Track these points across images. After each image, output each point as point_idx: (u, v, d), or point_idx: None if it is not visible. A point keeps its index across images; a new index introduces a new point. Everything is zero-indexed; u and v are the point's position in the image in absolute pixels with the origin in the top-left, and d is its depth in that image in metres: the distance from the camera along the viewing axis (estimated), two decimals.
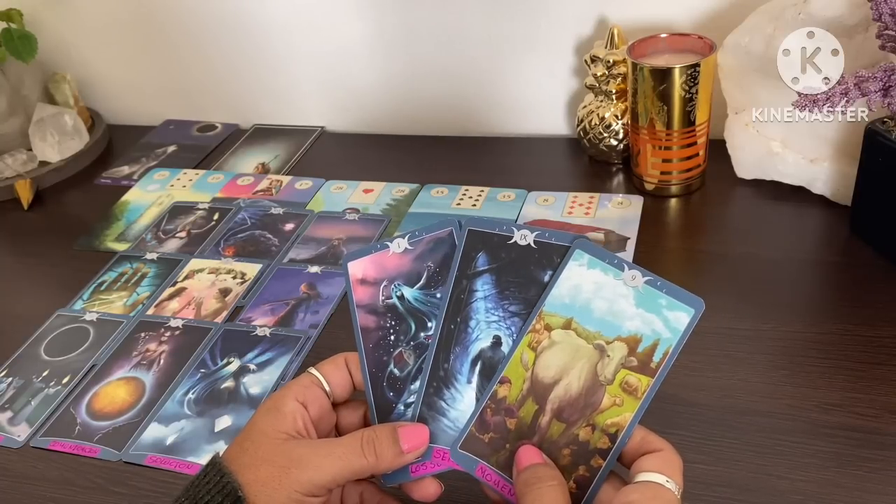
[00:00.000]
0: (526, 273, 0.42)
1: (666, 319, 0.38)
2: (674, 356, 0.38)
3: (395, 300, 0.45)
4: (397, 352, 0.44)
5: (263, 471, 0.39)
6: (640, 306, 0.39)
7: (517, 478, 0.39)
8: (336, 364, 0.45)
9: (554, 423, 0.40)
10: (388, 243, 0.45)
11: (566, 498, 0.37)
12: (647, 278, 0.39)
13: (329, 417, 0.44)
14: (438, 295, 0.44)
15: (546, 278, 0.41)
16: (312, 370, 0.44)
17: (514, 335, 0.41)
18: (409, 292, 0.44)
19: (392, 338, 0.44)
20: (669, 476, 0.36)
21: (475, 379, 0.42)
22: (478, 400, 0.42)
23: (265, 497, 0.38)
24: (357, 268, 0.45)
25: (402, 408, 0.43)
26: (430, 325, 0.44)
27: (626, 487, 0.36)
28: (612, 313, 0.39)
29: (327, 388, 0.43)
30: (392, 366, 0.44)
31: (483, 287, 0.42)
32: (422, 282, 0.44)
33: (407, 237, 0.45)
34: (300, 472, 0.39)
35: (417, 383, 0.43)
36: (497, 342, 0.42)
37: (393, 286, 0.45)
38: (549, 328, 0.40)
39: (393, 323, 0.44)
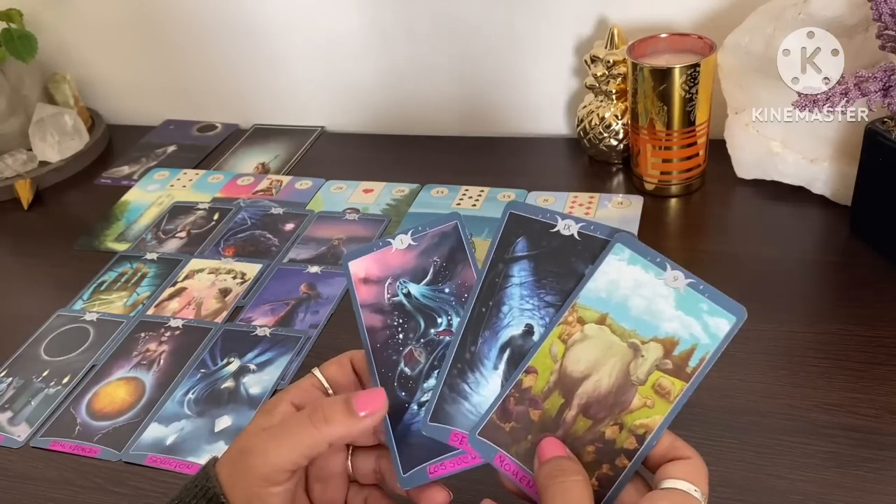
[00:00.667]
0: (566, 264, 0.40)
1: (706, 325, 0.37)
2: (711, 363, 0.37)
3: (401, 297, 0.43)
4: (407, 350, 0.43)
5: (232, 469, 0.39)
6: (680, 308, 0.38)
7: (539, 469, 0.38)
8: (340, 364, 0.44)
9: (580, 418, 0.39)
10: (391, 240, 0.44)
11: (590, 494, 0.36)
12: (689, 280, 0.38)
13: None
14: (447, 290, 0.43)
15: (586, 271, 0.40)
16: (315, 371, 0.43)
17: (547, 325, 0.40)
18: (415, 289, 0.43)
19: (401, 336, 0.43)
20: (697, 485, 0.35)
21: (502, 365, 0.41)
22: (502, 387, 0.40)
23: (230, 489, 0.38)
24: (359, 267, 0.44)
25: (416, 407, 0.42)
26: (440, 320, 0.43)
27: (653, 493, 0.36)
28: (649, 313, 0.38)
29: (330, 392, 0.43)
30: (403, 365, 0.43)
31: (520, 273, 0.41)
32: (428, 277, 0.43)
33: (410, 233, 0.44)
34: (253, 458, 0.37)
35: (431, 381, 0.42)
36: (529, 331, 0.41)
37: (398, 283, 0.44)
38: (582, 321, 0.39)
39: (401, 321, 0.43)
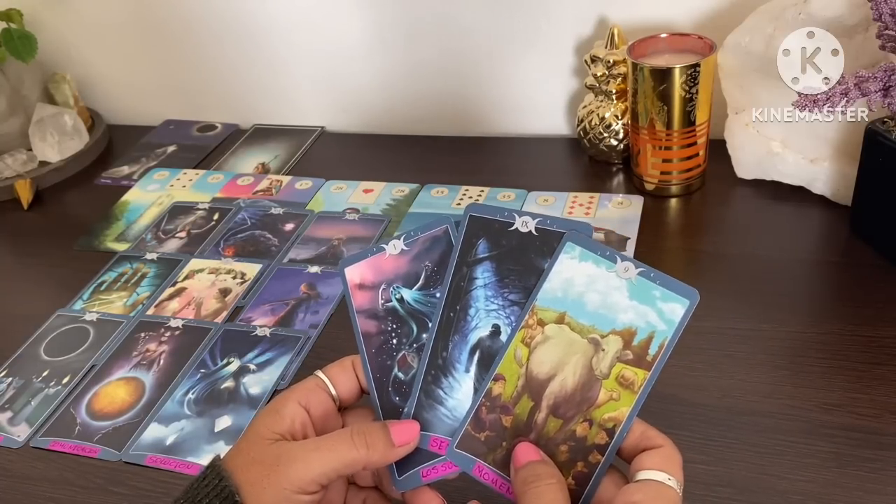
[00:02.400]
0: (526, 261, 0.41)
1: (661, 311, 0.38)
2: (670, 349, 0.38)
3: (394, 303, 0.44)
4: (400, 355, 0.43)
5: (254, 471, 0.38)
6: (634, 298, 0.38)
7: (515, 476, 0.38)
8: (343, 367, 0.44)
9: (550, 419, 0.39)
10: (384, 245, 0.44)
11: (565, 495, 0.37)
12: (639, 269, 0.38)
13: (334, 421, 0.43)
14: (438, 294, 0.43)
15: (543, 273, 0.40)
16: (319, 373, 0.43)
17: (514, 324, 0.41)
18: (408, 294, 0.44)
19: (394, 341, 0.43)
20: (671, 473, 0.36)
21: (473, 368, 0.41)
22: (476, 391, 0.41)
23: (254, 497, 0.38)
24: (354, 273, 0.45)
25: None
26: (431, 325, 0.43)
27: (627, 487, 0.36)
28: (605, 306, 0.39)
29: (333, 392, 0.43)
30: (396, 370, 0.43)
31: (483, 274, 0.42)
32: (420, 282, 0.44)
33: (402, 238, 0.44)
34: (288, 469, 0.38)
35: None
36: (496, 331, 0.41)
37: (392, 289, 0.44)
38: (542, 323, 0.40)
39: (394, 326, 0.44)
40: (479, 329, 0.41)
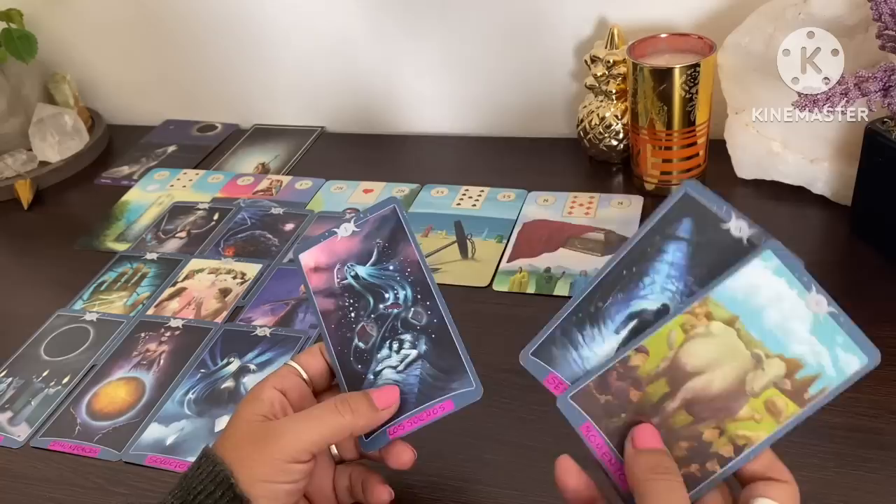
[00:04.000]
0: (724, 263, 0.38)
1: (836, 358, 0.36)
2: (830, 396, 0.36)
3: (350, 280, 0.47)
4: (360, 326, 0.46)
5: (244, 449, 0.40)
6: (815, 334, 0.36)
7: (635, 455, 0.37)
8: (312, 353, 0.47)
9: (681, 412, 0.38)
10: (336, 230, 0.47)
11: (687, 498, 0.36)
12: (831, 309, 0.36)
13: (310, 403, 0.45)
14: (391, 267, 0.46)
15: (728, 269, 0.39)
16: (290, 362, 0.46)
17: (679, 307, 0.39)
18: (362, 270, 0.47)
19: (353, 315, 0.46)
20: None
21: (625, 332, 0.40)
22: (615, 354, 0.40)
23: (248, 473, 0.39)
24: (308, 258, 0.47)
25: (372, 377, 0.45)
26: (387, 295, 0.46)
27: None
28: (782, 329, 0.37)
29: (305, 376, 0.45)
30: (357, 340, 0.46)
31: (674, 253, 0.40)
32: (373, 258, 0.47)
33: (353, 220, 0.47)
34: (278, 440, 0.40)
35: (384, 351, 0.46)
36: (664, 310, 0.40)
37: (346, 267, 0.47)
38: (709, 317, 0.38)
39: (351, 301, 0.46)
40: (648, 300, 0.40)
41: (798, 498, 0.36)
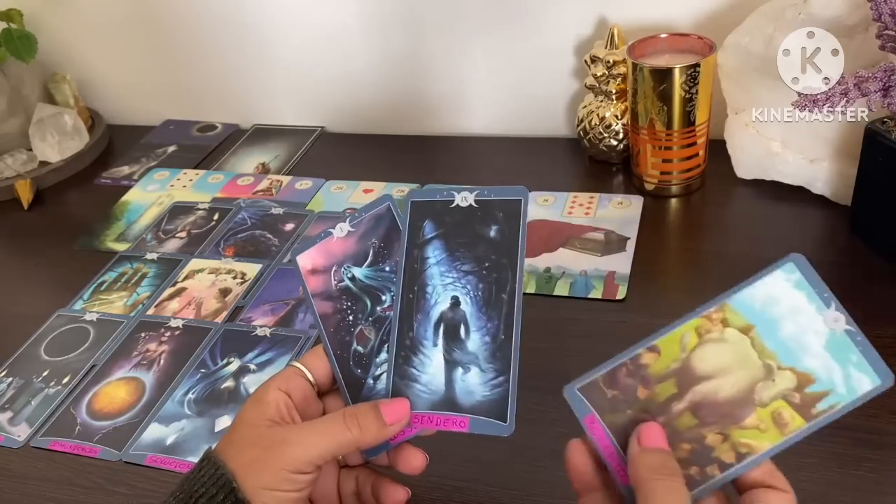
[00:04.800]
0: (472, 232, 0.43)
1: (848, 376, 0.36)
2: (838, 414, 0.36)
3: (347, 282, 0.46)
4: (358, 330, 0.45)
5: (249, 454, 0.40)
6: (829, 350, 0.37)
7: (639, 454, 0.37)
8: (317, 354, 0.46)
9: (686, 414, 0.38)
10: (331, 230, 0.47)
11: (688, 501, 0.36)
12: (848, 327, 0.37)
13: (315, 406, 0.45)
14: (387, 269, 0.45)
15: (491, 234, 0.42)
16: (295, 362, 0.45)
17: (471, 293, 0.42)
18: (359, 272, 0.46)
19: (351, 318, 0.46)
20: None
21: (440, 341, 0.43)
22: (446, 360, 0.42)
23: (251, 479, 0.39)
24: (306, 260, 0.47)
25: (372, 381, 0.45)
26: (384, 298, 0.45)
27: None
28: (796, 342, 0.37)
29: (310, 378, 0.45)
30: (355, 344, 0.45)
31: (434, 253, 0.43)
32: (369, 259, 0.46)
33: (348, 220, 0.46)
34: (285, 450, 0.39)
35: (383, 355, 0.45)
36: (456, 302, 0.43)
37: (343, 269, 0.46)
38: (725, 323, 0.38)
39: (349, 304, 0.46)
40: (440, 304, 0.43)
41: None
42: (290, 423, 0.42)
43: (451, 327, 0.43)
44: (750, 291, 0.38)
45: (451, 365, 0.42)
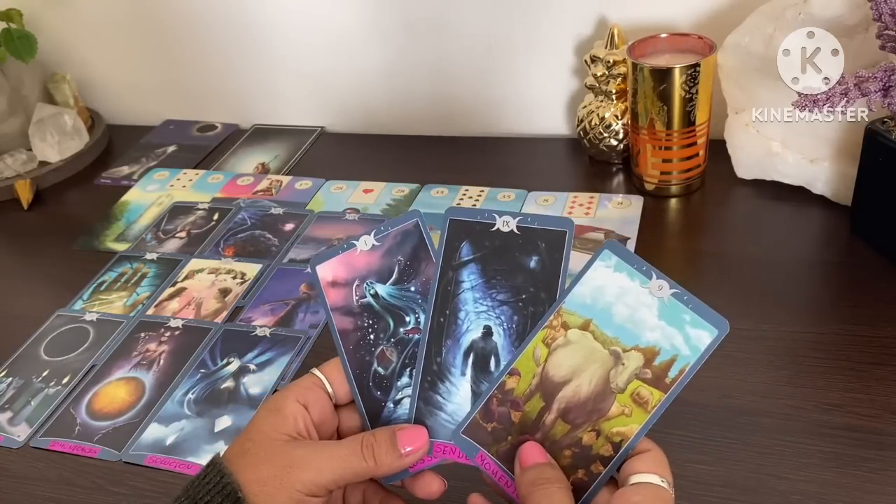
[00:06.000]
0: (511, 260, 0.41)
1: (687, 336, 0.37)
2: (690, 375, 0.37)
3: (369, 299, 0.44)
4: (379, 350, 0.43)
5: (264, 470, 0.39)
6: (663, 318, 0.38)
7: (521, 475, 0.39)
8: (338, 365, 0.44)
9: (559, 422, 0.39)
10: (355, 242, 0.44)
11: (572, 500, 0.37)
12: (674, 291, 0.38)
13: (331, 420, 0.43)
14: (412, 289, 0.44)
15: (532, 264, 0.41)
16: (315, 371, 0.44)
17: (504, 324, 0.41)
18: (382, 289, 0.44)
19: (371, 337, 0.44)
20: (663, 475, 0.36)
21: (469, 371, 0.41)
22: (473, 392, 0.41)
23: (265, 497, 0.38)
24: (326, 270, 0.44)
25: (392, 405, 0.43)
26: (408, 319, 0.43)
27: (623, 491, 0.36)
28: (632, 321, 0.38)
29: (330, 390, 0.43)
30: (376, 364, 0.43)
31: (469, 277, 0.42)
32: (394, 277, 0.44)
33: (373, 233, 0.44)
34: (301, 472, 0.39)
35: (405, 379, 0.43)
36: (488, 332, 0.41)
37: (365, 285, 0.44)
38: (566, 326, 0.39)
39: (371, 322, 0.44)
40: (471, 332, 0.42)
41: (664, 460, 0.37)
42: (307, 440, 0.41)
43: (482, 358, 0.41)
44: (578, 289, 0.40)
45: (486, 394, 0.41)
